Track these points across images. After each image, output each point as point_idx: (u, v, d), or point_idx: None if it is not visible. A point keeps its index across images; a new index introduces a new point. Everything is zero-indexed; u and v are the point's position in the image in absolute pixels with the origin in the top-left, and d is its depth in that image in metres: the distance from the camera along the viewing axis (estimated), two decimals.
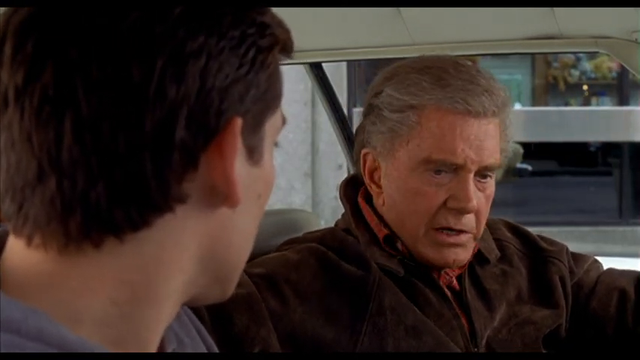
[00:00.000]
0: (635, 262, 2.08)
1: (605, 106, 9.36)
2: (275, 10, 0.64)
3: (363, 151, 1.31)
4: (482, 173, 1.25)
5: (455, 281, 1.32)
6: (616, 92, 9.37)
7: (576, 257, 1.45)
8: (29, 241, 0.58)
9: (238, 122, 0.59)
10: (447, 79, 1.23)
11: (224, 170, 0.59)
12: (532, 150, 8.33)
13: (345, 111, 2.28)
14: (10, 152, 0.56)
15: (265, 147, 0.64)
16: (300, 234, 1.39)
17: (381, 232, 1.29)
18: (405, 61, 1.32)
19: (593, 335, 1.38)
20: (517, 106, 9.52)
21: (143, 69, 0.55)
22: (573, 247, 1.49)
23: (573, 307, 1.39)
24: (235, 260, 0.66)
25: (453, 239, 1.24)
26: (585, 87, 9.82)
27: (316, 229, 1.44)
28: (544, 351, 1.32)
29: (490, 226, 1.41)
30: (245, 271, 1.05)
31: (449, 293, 1.30)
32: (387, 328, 1.22)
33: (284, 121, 0.67)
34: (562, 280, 1.39)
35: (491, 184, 1.27)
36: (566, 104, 9.67)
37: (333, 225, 1.39)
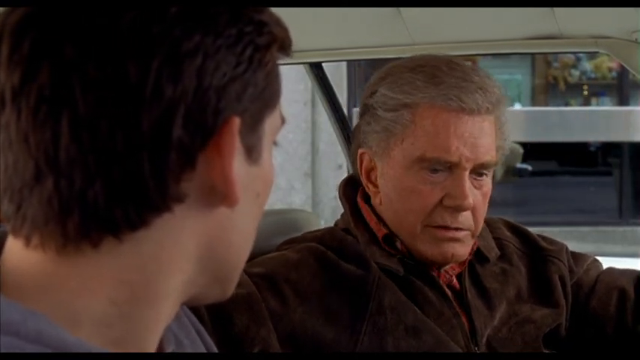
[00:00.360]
0: (635, 262, 2.08)
1: (605, 106, 9.36)
2: (275, 10, 0.64)
3: (360, 151, 1.31)
4: (478, 171, 1.25)
5: (455, 280, 1.32)
6: (616, 92, 9.37)
7: (576, 256, 1.45)
8: (27, 242, 0.58)
9: (236, 121, 0.59)
10: (441, 76, 1.23)
11: (222, 169, 0.59)
12: (532, 150, 8.34)
13: (345, 111, 2.28)
14: (7, 153, 0.56)
15: (264, 146, 0.64)
16: (300, 234, 1.40)
17: (380, 232, 1.29)
18: (400, 60, 1.33)
19: (593, 334, 1.39)
20: (517, 106, 9.53)
21: (140, 68, 0.55)
22: (573, 247, 1.49)
23: (573, 307, 1.39)
24: (235, 260, 0.66)
25: (451, 234, 1.25)
26: (585, 87, 9.82)
27: (316, 229, 1.44)
28: (544, 350, 1.32)
29: (489, 225, 1.41)
30: (245, 270, 1.05)
31: (449, 292, 1.30)
32: (386, 327, 1.22)
33: (283, 120, 0.67)
34: (562, 279, 1.39)
35: (487, 181, 1.27)
36: (566, 104, 9.67)
37: (333, 225, 1.40)
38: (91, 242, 0.57)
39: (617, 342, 1.37)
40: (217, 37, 0.58)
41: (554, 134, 8.39)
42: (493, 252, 1.36)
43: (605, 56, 2.96)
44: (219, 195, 0.60)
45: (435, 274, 1.29)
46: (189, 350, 0.75)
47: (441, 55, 1.30)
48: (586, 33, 1.51)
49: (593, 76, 9.78)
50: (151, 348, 0.63)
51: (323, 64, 2.00)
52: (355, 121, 1.39)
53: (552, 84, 9.97)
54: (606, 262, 1.51)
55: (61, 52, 0.55)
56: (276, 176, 0.69)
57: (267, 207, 0.69)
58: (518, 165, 8.00)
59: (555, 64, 9.94)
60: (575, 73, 9.83)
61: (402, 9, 1.48)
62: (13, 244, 0.59)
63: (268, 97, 0.63)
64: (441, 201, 1.23)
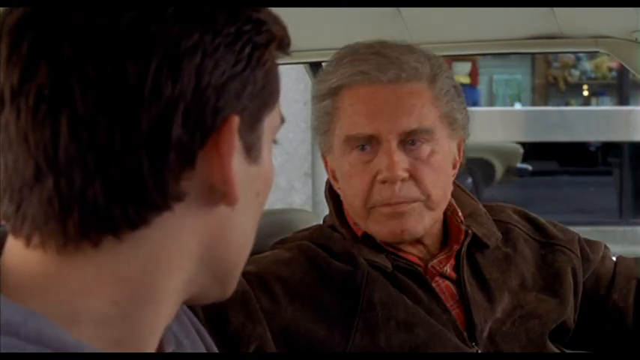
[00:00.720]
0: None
1: (605, 106, 9.36)
2: (275, 10, 0.64)
3: (324, 155, 1.33)
4: (409, 140, 1.23)
5: (451, 271, 1.30)
6: (616, 92, 9.38)
7: (591, 244, 1.42)
8: (28, 242, 0.58)
9: (235, 120, 0.59)
10: (359, 57, 1.25)
11: (222, 168, 0.59)
12: (532, 150, 8.33)
13: None
14: (7, 152, 0.56)
15: (263, 145, 0.64)
16: None
17: (359, 231, 1.29)
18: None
19: (611, 328, 1.37)
20: (517, 106, 9.53)
21: (138, 67, 0.55)
22: None
23: (590, 300, 1.37)
24: (235, 258, 0.66)
25: (393, 209, 1.23)
26: (585, 87, 9.82)
27: None
28: (550, 345, 1.30)
29: (493, 209, 1.40)
30: None
31: (442, 286, 1.28)
32: (378, 323, 1.22)
33: (282, 119, 0.67)
34: (573, 271, 1.36)
35: (427, 149, 1.24)
36: (566, 104, 9.67)
37: (322, 221, 1.40)
38: (91, 242, 0.57)
39: (635, 334, 1.36)
40: (216, 35, 0.58)
41: (554, 134, 8.38)
42: (493, 237, 1.34)
43: (605, 56, 2.95)
44: (219, 194, 0.60)
45: (421, 268, 1.28)
46: (189, 350, 0.75)
47: (367, 41, 1.29)
48: (586, 33, 1.51)
49: (593, 76, 9.78)
50: (151, 348, 0.63)
51: (323, 64, 2.00)
52: None
53: (552, 84, 9.97)
54: None
55: (60, 52, 0.55)
56: (276, 176, 0.69)
57: (267, 207, 0.69)
58: (519, 165, 8.00)
59: (555, 64, 9.95)
60: (575, 73, 9.84)
61: (402, 9, 1.48)
62: (13, 244, 0.59)
63: (267, 95, 0.62)
64: (375, 178, 1.23)
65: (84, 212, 0.56)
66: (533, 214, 1.45)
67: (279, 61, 0.65)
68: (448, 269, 1.30)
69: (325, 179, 1.38)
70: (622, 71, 8.97)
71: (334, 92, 1.26)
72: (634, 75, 1.52)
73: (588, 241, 1.43)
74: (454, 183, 1.33)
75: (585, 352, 1.38)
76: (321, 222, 1.39)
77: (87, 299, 0.58)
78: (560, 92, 9.89)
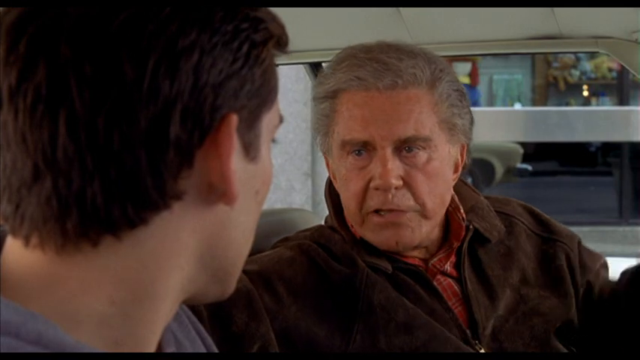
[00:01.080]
0: (635, 262, 2.08)
1: (605, 106, 9.36)
2: (275, 10, 0.64)
3: (325, 155, 1.33)
4: (404, 147, 1.21)
5: (452, 269, 1.29)
6: (616, 92, 9.37)
7: (591, 252, 1.42)
8: (27, 242, 0.58)
9: (233, 118, 0.59)
10: (355, 62, 1.23)
11: (220, 167, 0.59)
12: (532, 150, 8.33)
13: None
14: (5, 153, 0.56)
15: (262, 143, 0.64)
16: None
17: (357, 233, 1.29)
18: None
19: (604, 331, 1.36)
20: (517, 106, 9.53)
21: (136, 66, 0.55)
22: None
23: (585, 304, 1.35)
24: (234, 257, 0.66)
25: (385, 219, 1.22)
26: (585, 87, 9.82)
27: None
28: (557, 343, 1.29)
29: (499, 200, 1.40)
30: None
31: (444, 285, 1.28)
32: (378, 325, 1.21)
33: (281, 118, 0.67)
34: (570, 268, 1.36)
35: (424, 156, 1.22)
36: (566, 104, 9.67)
37: (323, 222, 1.39)
38: (91, 241, 0.57)
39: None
40: (213, 33, 0.58)
41: (555, 134, 8.39)
42: (495, 231, 1.33)
43: (605, 56, 2.96)
44: (218, 192, 0.60)
45: (422, 268, 1.27)
46: (189, 351, 0.75)
47: (368, 43, 1.27)
48: (586, 33, 1.51)
49: (593, 76, 9.78)
50: (151, 348, 0.63)
51: (323, 64, 2.00)
52: None
53: (552, 84, 9.97)
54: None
55: (58, 51, 0.55)
56: (276, 176, 0.69)
57: (267, 207, 0.69)
58: (519, 165, 8.01)
59: (555, 64, 9.94)
60: (575, 73, 9.83)
61: (402, 9, 1.48)
62: (12, 245, 0.59)
63: (265, 93, 0.62)
64: (369, 184, 1.22)
65: (83, 212, 0.56)
66: (537, 210, 1.43)
67: (280, 61, 0.65)
68: (449, 267, 1.30)
69: (325, 179, 1.38)
70: (622, 71, 8.97)
71: (332, 95, 1.25)
72: (634, 75, 1.52)
73: (588, 249, 1.43)
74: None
75: (585, 352, 1.37)
76: (322, 222, 1.39)
77: (86, 299, 0.57)
78: (560, 92, 9.88)
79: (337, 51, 1.31)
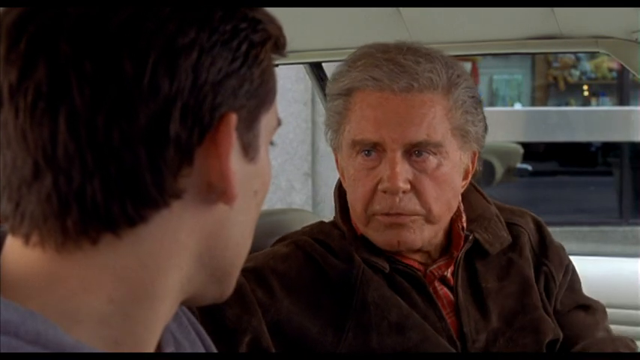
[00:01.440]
0: (635, 262, 2.08)
1: (605, 106, 9.36)
2: (275, 10, 0.64)
3: (335, 151, 1.32)
4: (415, 151, 1.21)
5: (450, 276, 1.28)
6: (616, 92, 9.38)
7: (577, 288, 1.40)
8: (27, 240, 0.58)
9: (232, 118, 0.59)
10: (372, 62, 1.22)
11: (219, 166, 0.59)
12: (532, 150, 8.34)
13: None
14: (6, 151, 0.56)
15: (261, 144, 0.64)
16: None
17: (358, 230, 1.29)
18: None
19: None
20: (517, 106, 9.54)
21: (136, 64, 0.55)
22: (573, 247, 1.48)
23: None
24: (233, 257, 0.66)
25: (392, 219, 1.22)
26: (585, 87, 9.82)
27: None
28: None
29: (513, 211, 1.39)
30: None
31: (440, 293, 1.27)
32: (370, 323, 1.21)
33: (279, 122, 0.67)
34: (548, 295, 1.35)
35: (434, 161, 1.21)
36: (566, 104, 9.67)
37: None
38: (90, 239, 0.57)
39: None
40: (212, 32, 0.58)
41: (554, 134, 8.39)
42: (497, 243, 1.32)
43: (605, 56, 2.95)
44: (217, 191, 0.60)
45: (421, 273, 1.27)
46: (188, 351, 0.75)
47: (386, 43, 1.26)
48: (586, 33, 1.51)
49: (593, 76, 9.78)
50: (150, 347, 0.63)
51: (323, 64, 2.00)
52: None
53: (552, 84, 9.97)
54: (606, 262, 1.50)
55: (58, 49, 0.55)
56: (276, 176, 0.69)
57: (267, 207, 0.69)
58: (519, 165, 8.01)
59: (555, 64, 9.94)
60: (575, 73, 9.84)
61: (402, 9, 1.48)
62: (12, 243, 0.59)
63: (264, 94, 0.63)
64: (377, 186, 1.22)
65: (83, 209, 0.56)
66: (547, 230, 1.42)
67: (280, 61, 0.65)
68: (448, 275, 1.29)
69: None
70: (622, 71, 8.98)
71: (346, 93, 1.24)
72: (634, 75, 1.52)
73: (575, 287, 1.40)
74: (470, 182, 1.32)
75: (585, 352, 1.37)
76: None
77: (86, 297, 0.58)
78: (560, 92, 9.88)
79: (337, 51, 1.31)
